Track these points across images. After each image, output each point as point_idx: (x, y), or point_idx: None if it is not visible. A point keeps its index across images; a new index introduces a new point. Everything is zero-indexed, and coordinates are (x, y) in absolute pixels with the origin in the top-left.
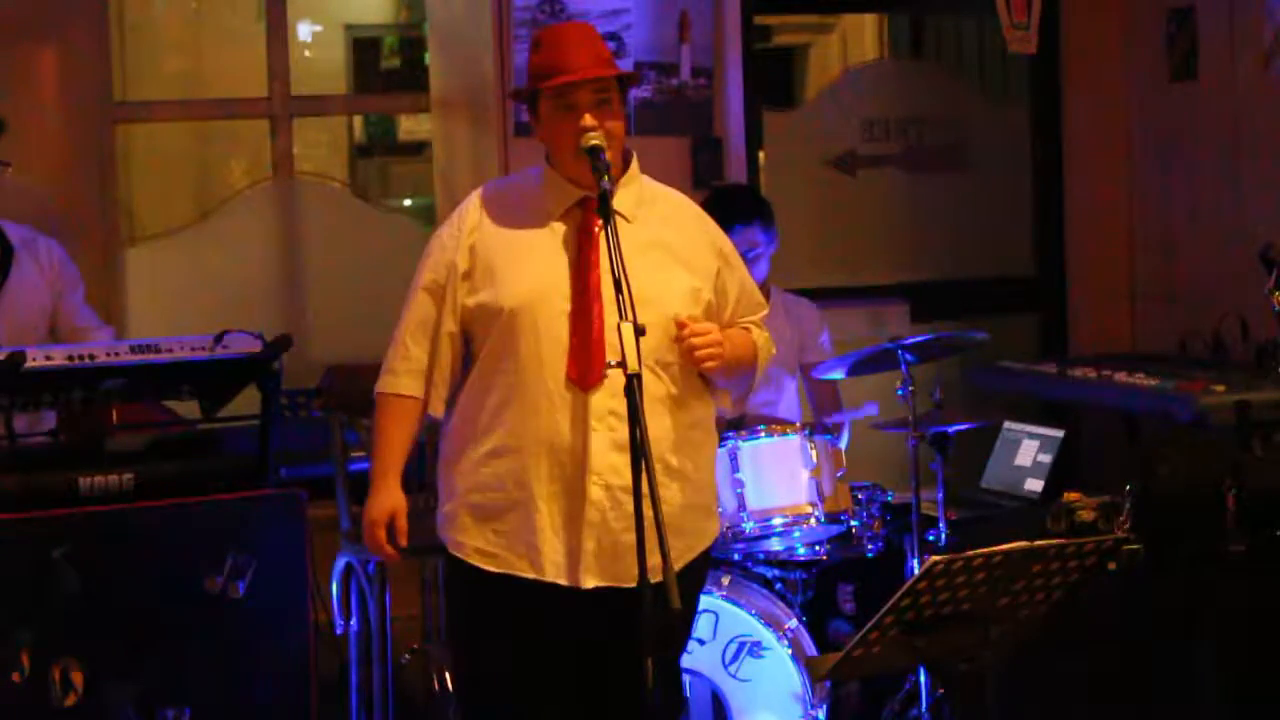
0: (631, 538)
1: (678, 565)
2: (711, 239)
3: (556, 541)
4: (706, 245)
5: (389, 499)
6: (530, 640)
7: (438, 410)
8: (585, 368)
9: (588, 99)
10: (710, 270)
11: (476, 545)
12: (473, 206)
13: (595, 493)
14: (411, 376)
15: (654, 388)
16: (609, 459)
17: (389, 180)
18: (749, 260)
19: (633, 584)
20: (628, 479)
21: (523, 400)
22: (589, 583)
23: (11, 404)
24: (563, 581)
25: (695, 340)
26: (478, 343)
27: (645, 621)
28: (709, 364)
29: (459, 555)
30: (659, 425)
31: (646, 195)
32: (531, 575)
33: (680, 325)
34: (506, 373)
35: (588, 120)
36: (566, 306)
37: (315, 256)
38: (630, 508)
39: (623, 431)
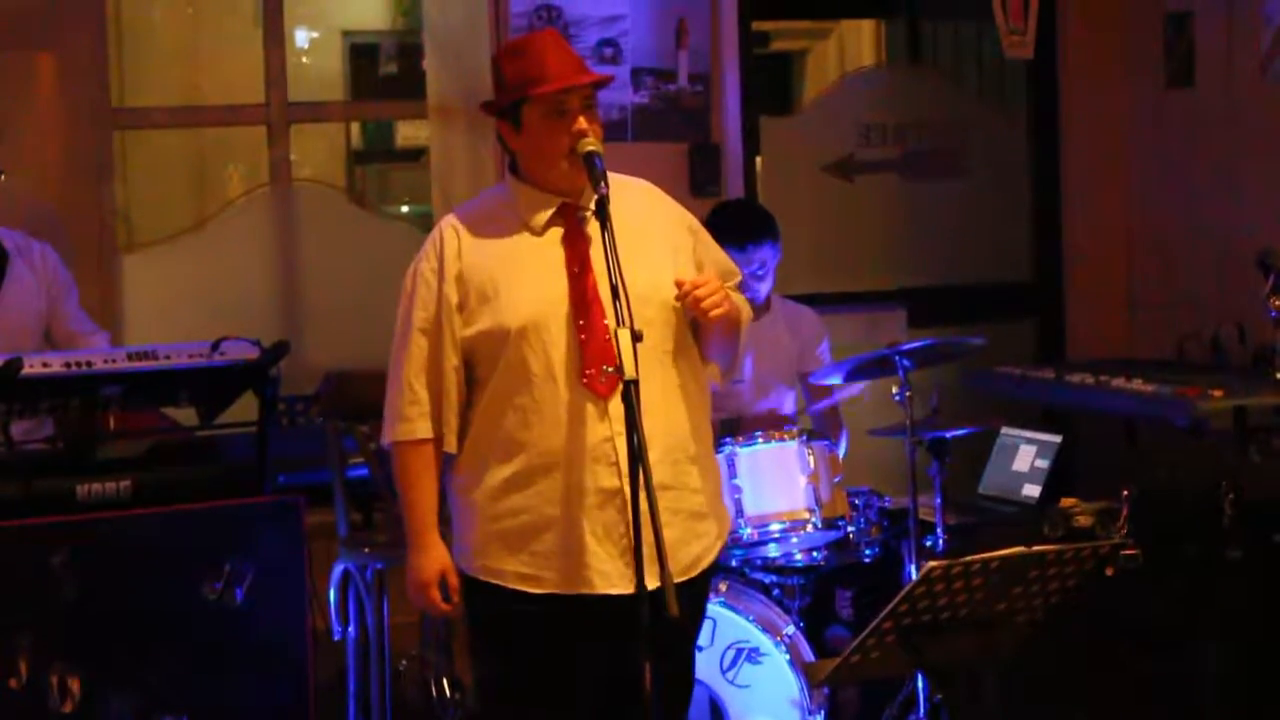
0: (674, 533)
1: (709, 559)
2: (680, 218)
3: (603, 553)
4: (678, 226)
5: (436, 557)
6: (577, 655)
7: (453, 446)
8: (599, 375)
9: (579, 104)
10: (688, 250)
11: (516, 570)
12: (448, 236)
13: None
14: (424, 419)
15: (667, 377)
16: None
17: (387, 186)
18: (757, 277)
19: (684, 577)
20: (661, 475)
21: (542, 417)
22: (651, 583)
23: (9, 411)
24: (622, 590)
25: (699, 293)
26: (483, 369)
27: (643, 629)
28: (716, 311)
29: (498, 582)
30: (678, 413)
31: (614, 190)
32: (582, 591)
33: (679, 284)
34: (522, 392)
35: (583, 124)
36: (571, 316)
37: (313, 263)
38: (666, 502)
39: (647, 430)
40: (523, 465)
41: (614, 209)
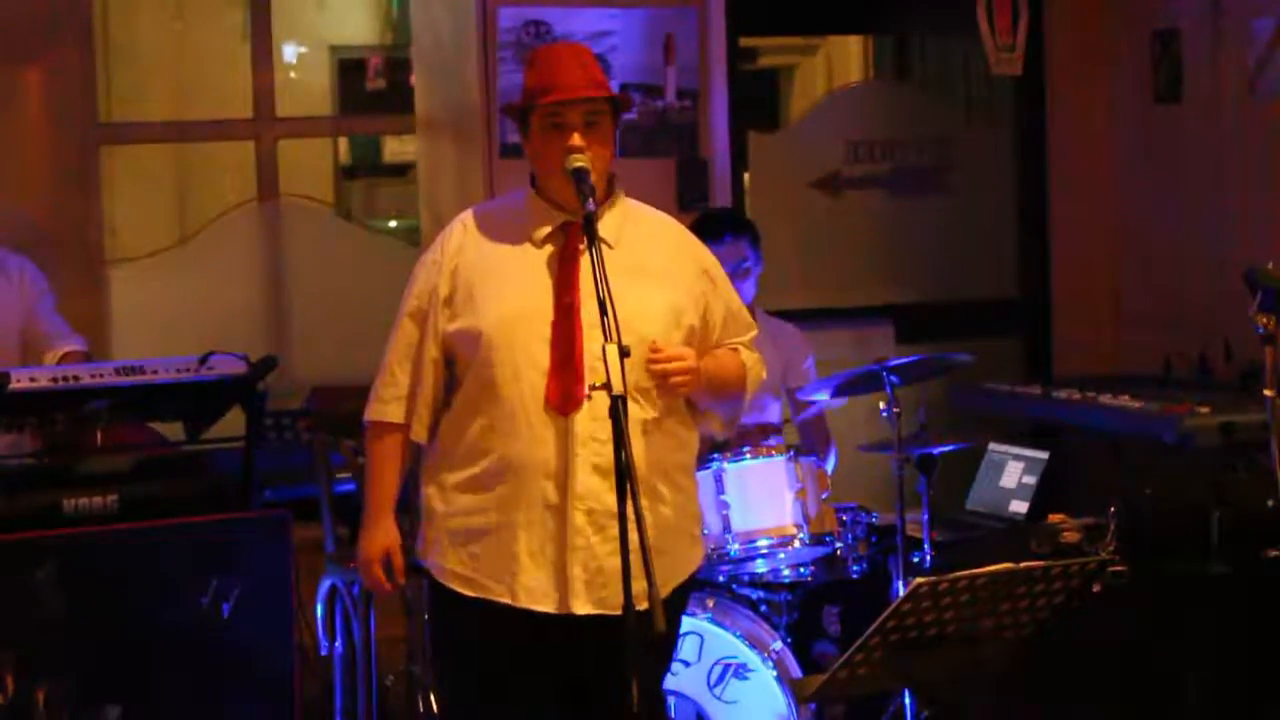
0: (617, 563)
1: (661, 591)
2: (697, 259)
3: (534, 568)
4: (691, 266)
5: (384, 535)
6: (511, 666)
7: (420, 435)
8: (566, 391)
9: (578, 119)
10: (695, 291)
11: (453, 569)
12: (456, 231)
13: (579, 518)
14: (397, 404)
15: (632, 412)
16: (591, 483)
17: (374, 201)
18: (738, 274)
19: (619, 610)
20: (610, 504)
21: (504, 425)
22: (580, 609)
23: None
24: (545, 609)
25: (668, 366)
26: (460, 368)
27: (629, 645)
28: (682, 390)
29: (439, 579)
30: (636, 449)
31: (630, 218)
32: (507, 601)
33: (653, 350)
34: (488, 398)
35: (576, 140)
36: (547, 330)
37: (300, 278)
38: (614, 532)
39: (606, 455)
40: (481, 469)
41: (627, 236)
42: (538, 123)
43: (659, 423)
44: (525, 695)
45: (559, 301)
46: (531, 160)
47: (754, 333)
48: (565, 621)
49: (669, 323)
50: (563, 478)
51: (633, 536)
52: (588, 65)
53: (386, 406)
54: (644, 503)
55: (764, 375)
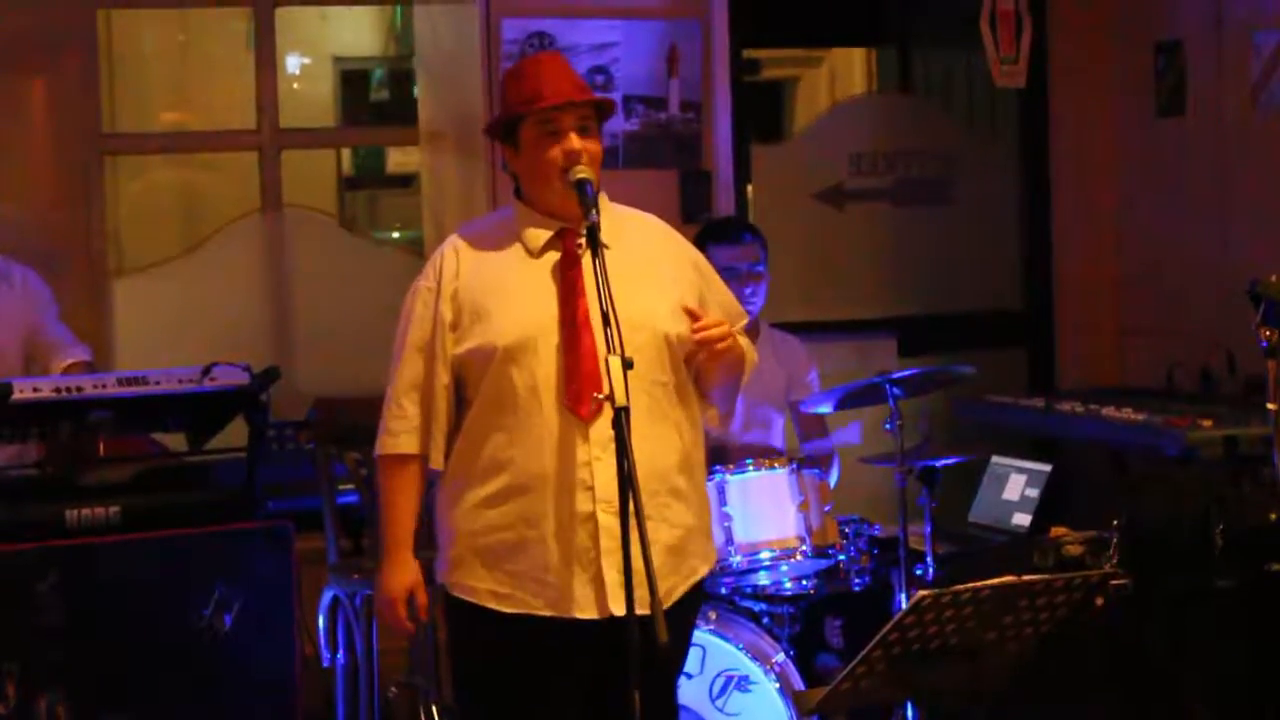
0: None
1: (683, 588)
2: (687, 255)
3: (570, 576)
4: (685, 261)
5: (406, 573)
6: (549, 677)
7: (438, 463)
8: (583, 399)
9: (572, 123)
10: (690, 281)
11: (489, 588)
12: (449, 255)
13: (607, 520)
14: (409, 435)
15: (654, 409)
16: (615, 487)
17: (377, 212)
18: (752, 275)
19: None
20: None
21: (525, 438)
22: (618, 610)
23: None
24: (587, 615)
25: (711, 333)
26: (472, 387)
27: (632, 653)
28: (725, 356)
29: (470, 599)
30: (664, 446)
31: (618, 219)
32: (549, 613)
33: (693, 315)
34: (506, 412)
35: (574, 142)
36: (558, 340)
37: (303, 289)
38: (639, 532)
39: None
40: (503, 484)
41: (618, 239)
42: (531, 131)
43: (677, 419)
44: (563, 705)
45: (566, 309)
46: (521, 172)
47: (745, 322)
48: (600, 626)
49: (677, 317)
50: (587, 483)
51: (644, 536)
52: (570, 72)
53: (400, 439)
54: (668, 500)
55: (756, 359)
